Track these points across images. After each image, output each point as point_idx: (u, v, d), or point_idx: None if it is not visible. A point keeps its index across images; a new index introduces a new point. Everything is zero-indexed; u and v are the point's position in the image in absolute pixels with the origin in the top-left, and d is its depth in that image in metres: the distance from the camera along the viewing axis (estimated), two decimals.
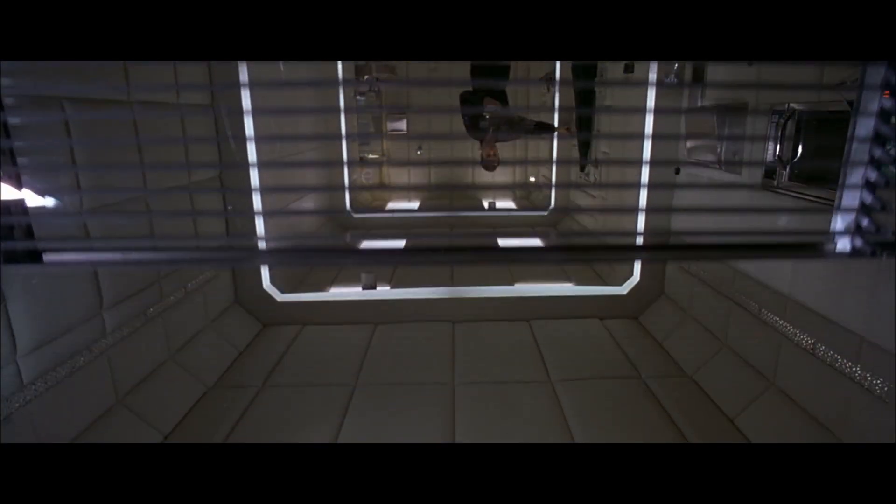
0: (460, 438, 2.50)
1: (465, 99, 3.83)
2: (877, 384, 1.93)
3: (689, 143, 3.18)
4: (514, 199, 8.76)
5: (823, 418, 2.22)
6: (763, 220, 2.63)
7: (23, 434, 1.88)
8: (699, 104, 3.21)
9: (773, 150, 2.51)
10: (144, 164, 2.59)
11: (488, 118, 3.68)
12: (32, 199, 1.97)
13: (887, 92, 1.06)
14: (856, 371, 2.04)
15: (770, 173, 2.56)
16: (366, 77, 7.77)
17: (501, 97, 3.84)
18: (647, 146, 3.64)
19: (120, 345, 2.45)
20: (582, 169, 5.95)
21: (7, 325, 1.83)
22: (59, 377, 2.07)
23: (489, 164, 3.67)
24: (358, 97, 7.64)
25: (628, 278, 3.93)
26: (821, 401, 2.24)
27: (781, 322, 2.50)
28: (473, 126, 3.73)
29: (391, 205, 8.49)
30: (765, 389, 2.56)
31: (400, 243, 5.71)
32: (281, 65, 4.46)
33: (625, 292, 3.87)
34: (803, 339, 2.35)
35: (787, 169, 2.42)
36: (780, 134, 2.42)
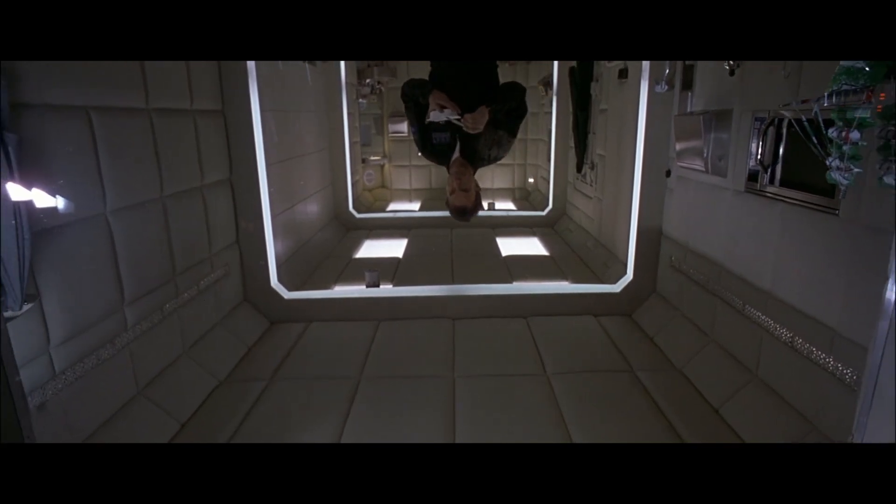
0: (459, 428, 2.65)
1: (406, 94, 2.20)
2: (847, 373, 2.08)
3: (677, 147, 3.33)
4: (514, 200, 8.91)
5: (801, 407, 2.36)
6: (748, 222, 2.79)
7: (55, 421, 2.03)
8: (689, 109, 3.36)
9: (755, 154, 2.66)
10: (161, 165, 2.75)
11: (443, 126, 2.00)
12: (43, 200, 2.12)
13: (883, 94, 1.07)
14: (829, 362, 2.19)
15: (753, 177, 2.71)
16: (367, 80, 7.92)
17: (475, 95, 2.04)
18: (640, 149, 3.79)
19: (140, 339, 2.60)
20: (579, 170, 6.11)
21: (41, 318, 1.98)
22: (86, 368, 2.22)
23: (457, 209, 2.10)
24: (360, 100, 7.79)
25: (622, 276, 4.08)
26: (798, 390, 2.39)
27: (763, 317, 2.65)
28: (422, 142, 2.14)
29: (392, 205, 8.65)
30: (748, 381, 2.71)
31: (401, 247, 5.82)
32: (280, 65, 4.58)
33: (618, 290, 4.01)
34: (783, 332, 2.50)
35: (769, 173, 2.56)
36: (761, 140, 2.57)
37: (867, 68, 1.04)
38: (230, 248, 3.68)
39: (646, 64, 3.65)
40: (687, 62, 3.32)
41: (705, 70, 3.18)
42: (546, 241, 6.34)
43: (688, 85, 3.37)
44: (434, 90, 2.04)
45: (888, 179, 1.09)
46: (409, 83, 2.21)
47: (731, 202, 2.92)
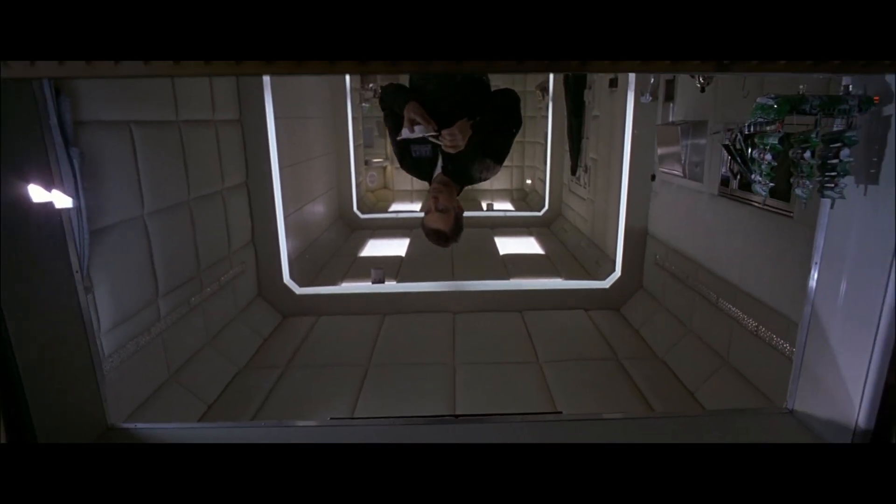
0: (459, 408, 2.94)
1: (382, 100, 1.95)
2: None
3: (659, 153, 3.61)
4: (512, 201, 9.19)
5: (764, 388, 2.65)
6: (721, 223, 3.07)
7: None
8: (670, 119, 3.64)
9: (727, 162, 2.94)
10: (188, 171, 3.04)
11: (419, 140, 1.75)
12: (62, 201, 2.39)
13: (877, 97, 1.25)
14: (786, 347, 2.48)
15: (725, 182, 3.00)
16: (370, 85, 8.20)
17: (460, 105, 1.76)
18: (627, 155, 4.08)
19: (171, 329, 2.89)
20: (573, 173, 6.39)
21: (94, 307, 2.27)
22: (128, 353, 2.51)
23: (432, 232, 1.74)
24: (363, 104, 8.08)
25: (611, 274, 4.36)
26: (762, 373, 2.67)
27: (733, 309, 2.93)
28: (400, 154, 1.89)
29: (394, 206, 8.94)
30: (720, 367, 3.00)
31: (403, 246, 6.06)
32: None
33: (607, 286, 4.30)
34: (749, 322, 2.78)
35: (737, 178, 2.84)
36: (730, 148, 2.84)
37: (775, 105, 1.32)
38: (246, 247, 3.97)
39: (632, 75, 3.93)
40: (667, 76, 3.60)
41: (686, 83, 3.46)
42: (542, 241, 6.62)
43: (670, 97, 3.65)
44: (411, 101, 1.75)
45: (798, 192, 1.37)
46: (386, 88, 1.92)
47: (706, 205, 3.20)
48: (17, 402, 1.35)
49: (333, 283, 5.01)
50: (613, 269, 4.40)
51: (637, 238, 4.18)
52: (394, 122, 1.85)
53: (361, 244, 6.54)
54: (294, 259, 4.72)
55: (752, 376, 2.75)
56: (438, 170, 1.82)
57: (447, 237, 1.75)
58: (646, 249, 4.18)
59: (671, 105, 3.64)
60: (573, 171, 6.39)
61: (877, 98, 1.30)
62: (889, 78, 1.31)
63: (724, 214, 3.02)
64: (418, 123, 1.71)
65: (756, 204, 2.70)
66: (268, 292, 4.18)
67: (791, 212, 2.40)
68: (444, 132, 1.68)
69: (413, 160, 1.83)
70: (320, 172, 6.10)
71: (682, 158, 3.25)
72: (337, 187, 6.96)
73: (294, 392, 3.14)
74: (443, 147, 1.72)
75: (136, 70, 1.19)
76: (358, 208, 7.31)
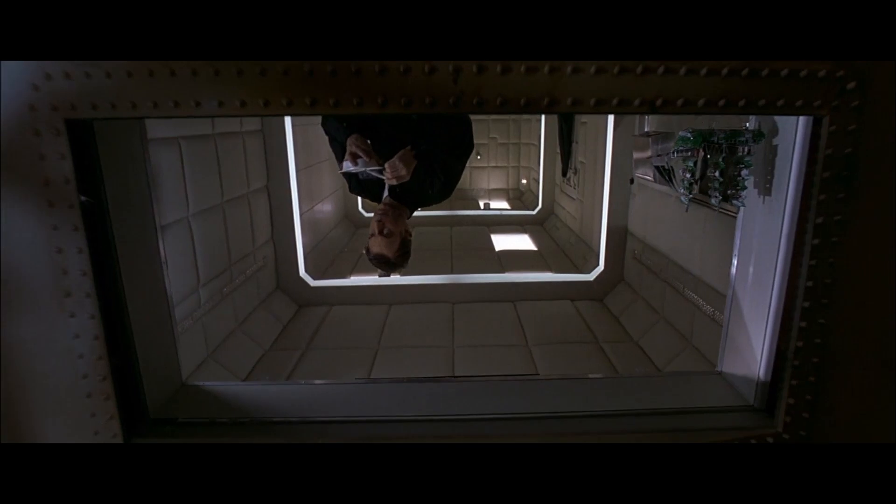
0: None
1: (323, 125, 1.87)
2: None
3: (635, 157, 4.07)
4: (508, 200, 9.64)
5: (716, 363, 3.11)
6: (686, 222, 3.53)
7: None
8: (645, 129, 4.09)
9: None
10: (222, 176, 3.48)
11: (364, 169, 1.71)
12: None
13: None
14: None
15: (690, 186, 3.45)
16: None
17: (408, 129, 1.74)
18: (609, 160, 4.53)
19: (208, 314, 3.34)
20: (564, 174, 6.84)
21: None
22: (176, 334, 2.95)
23: (375, 256, 1.76)
24: None
25: (595, 268, 4.83)
26: (716, 351, 3.13)
27: (695, 297, 3.39)
28: (348, 177, 1.85)
29: None
30: (684, 348, 3.46)
31: None
32: None
33: (592, 279, 4.76)
34: (707, 308, 3.25)
35: (699, 183, 3.30)
36: (661, 169, 3.30)
37: (692, 137, 1.76)
38: (266, 244, 4.42)
39: None
40: None
41: None
42: (535, 238, 7.07)
43: None
44: (353, 134, 1.64)
45: (713, 201, 1.82)
46: (327, 115, 1.75)
47: (674, 206, 3.66)
48: (132, 361, 1.79)
49: (343, 276, 5.46)
50: (598, 264, 4.86)
51: (618, 235, 4.63)
52: (338, 150, 1.81)
53: (366, 241, 6.98)
54: (309, 252, 5.17)
55: (708, 354, 3.21)
56: (386, 192, 1.79)
57: (391, 263, 1.70)
58: (626, 245, 4.64)
59: (646, 117, 4.09)
60: (564, 173, 6.83)
61: None
62: (777, 118, 1.75)
63: (687, 215, 3.47)
64: (360, 157, 1.66)
65: (728, 211, 3.15)
66: (285, 284, 4.63)
67: (736, 213, 2.85)
68: (386, 165, 1.64)
69: (360, 182, 1.82)
70: (327, 174, 6.53)
71: (653, 165, 3.70)
72: (343, 188, 7.40)
73: (315, 368, 3.61)
74: (386, 181, 1.69)
75: (212, 111, 1.65)
76: (363, 207, 7.75)
